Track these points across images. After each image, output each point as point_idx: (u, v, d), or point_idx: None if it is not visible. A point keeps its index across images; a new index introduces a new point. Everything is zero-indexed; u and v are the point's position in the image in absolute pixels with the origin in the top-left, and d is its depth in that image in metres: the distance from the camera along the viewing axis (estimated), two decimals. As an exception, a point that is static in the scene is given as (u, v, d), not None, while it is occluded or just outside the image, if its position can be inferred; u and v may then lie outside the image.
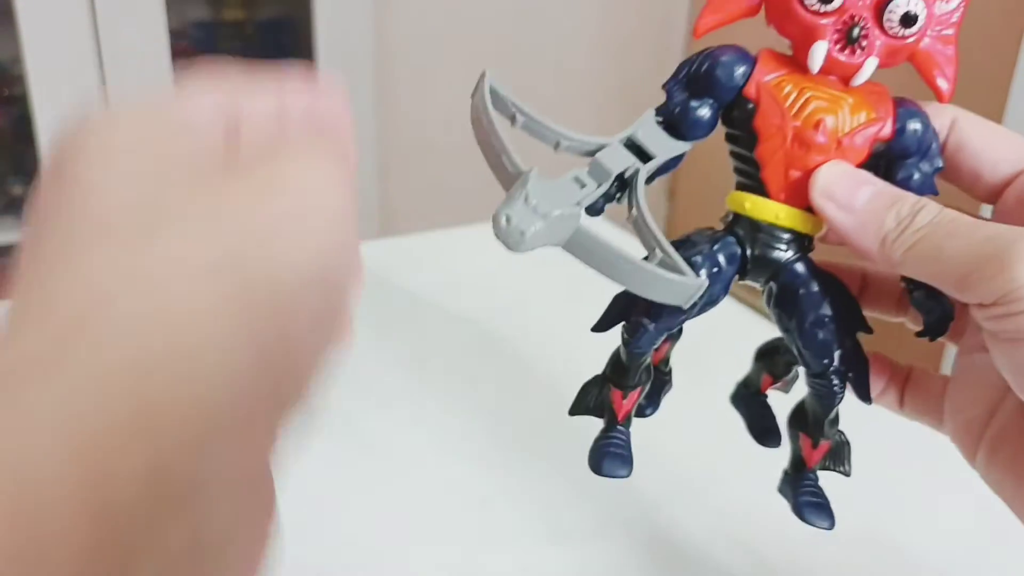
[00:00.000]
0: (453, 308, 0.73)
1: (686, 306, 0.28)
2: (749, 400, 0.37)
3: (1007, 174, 0.31)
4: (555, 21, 1.85)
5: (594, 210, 0.29)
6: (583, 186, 0.28)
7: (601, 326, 0.31)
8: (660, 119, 0.30)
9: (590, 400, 0.33)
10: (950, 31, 0.30)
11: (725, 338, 0.56)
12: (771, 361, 0.36)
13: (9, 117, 1.48)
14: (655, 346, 0.31)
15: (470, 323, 0.70)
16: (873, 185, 0.29)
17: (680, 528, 0.47)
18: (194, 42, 1.61)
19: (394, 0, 1.69)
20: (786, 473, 0.34)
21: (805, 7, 0.29)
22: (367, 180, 1.70)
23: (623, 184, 0.29)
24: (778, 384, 0.36)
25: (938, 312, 0.31)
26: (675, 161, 0.30)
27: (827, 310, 0.30)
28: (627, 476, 0.32)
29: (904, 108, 0.30)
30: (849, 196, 0.29)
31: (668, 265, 0.27)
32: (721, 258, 0.30)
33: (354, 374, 0.66)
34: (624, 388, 0.32)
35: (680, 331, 0.34)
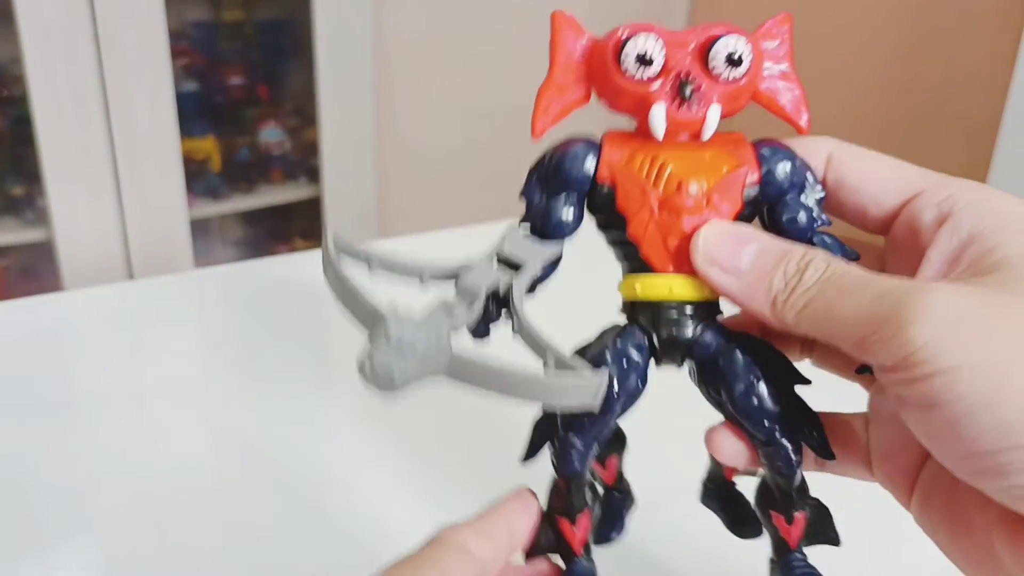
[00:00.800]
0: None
1: (596, 404, 0.26)
2: (717, 494, 0.35)
3: (892, 206, 0.29)
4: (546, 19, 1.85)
5: (479, 334, 0.29)
6: (451, 312, 0.27)
7: (528, 454, 0.30)
8: (527, 227, 0.30)
9: (543, 541, 0.31)
10: (785, 66, 0.30)
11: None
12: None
13: (8, 118, 1.47)
14: (588, 462, 0.29)
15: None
16: (757, 242, 0.28)
17: (680, 528, 0.47)
18: (193, 42, 1.61)
19: (393, 1, 1.69)
20: (772, 562, 0.31)
21: (628, 79, 0.28)
22: (365, 181, 1.70)
23: (502, 301, 0.28)
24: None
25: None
26: (553, 266, 0.30)
27: (754, 373, 0.29)
28: None
29: (765, 148, 0.29)
30: (732, 258, 0.28)
31: (563, 367, 0.26)
32: (630, 349, 0.29)
33: (356, 376, 0.66)
34: (570, 515, 0.30)
35: (624, 441, 0.33)
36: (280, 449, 0.55)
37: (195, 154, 1.60)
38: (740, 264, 0.27)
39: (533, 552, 0.31)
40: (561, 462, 0.29)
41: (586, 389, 0.26)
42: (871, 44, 1.65)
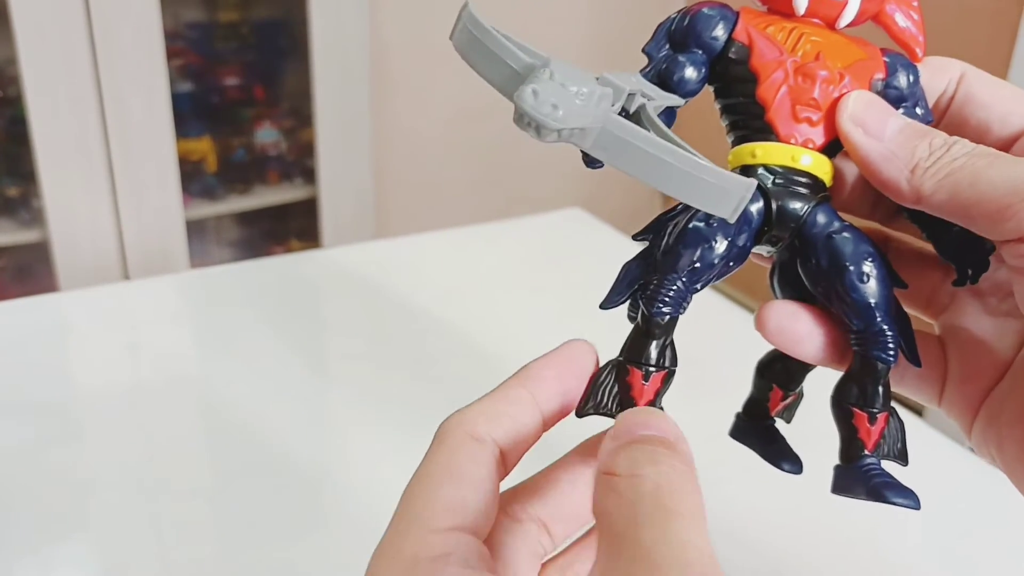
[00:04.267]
0: (450, 309, 0.73)
1: (732, 218, 0.24)
2: (752, 429, 0.32)
3: (1017, 128, 0.29)
4: (549, 22, 1.85)
5: (593, 163, 0.26)
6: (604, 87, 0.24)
7: (612, 300, 0.28)
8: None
9: (602, 394, 0.27)
10: None
11: (722, 334, 0.56)
12: (781, 371, 0.31)
13: (4, 118, 1.47)
14: (683, 309, 0.27)
15: (467, 324, 0.70)
16: (903, 118, 0.28)
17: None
18: (189, 43, 1.61)
19: (389, 1, 1.69)
20: (840, 467, 0.29)
21: None
22: (362, 182, 1.70)
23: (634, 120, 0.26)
24: (787, 401, 0.32)
25: (977, 250, 0.29)
26: (668, 116, 0.28)
27: (868, 251, 0.28)
28: None
29: (891, 57, 0.29)
30: (879, 124, 0.27)
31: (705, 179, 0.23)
32: (749, 206, 0.28)
33: (352, 378, 0.66)
34: (645, 367, 0.27)
35: (718, 272, 0.29)
36: (277, 449, 0.55)
37: (191, 155, 1.60)
38: (885, 130, 0.27)
39: (585, 410, 0.27)
40: (656, 301, 0.27)
41: (733, 193, 0.23)
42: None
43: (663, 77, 0.28)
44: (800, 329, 0.29)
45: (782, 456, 0.31)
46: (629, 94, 0.25)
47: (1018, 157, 0.26)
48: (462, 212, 1.86)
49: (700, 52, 0.29)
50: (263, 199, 1.69)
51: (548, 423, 0.27)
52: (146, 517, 0.50)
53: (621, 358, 0.27)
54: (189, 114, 1.59)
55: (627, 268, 0.28)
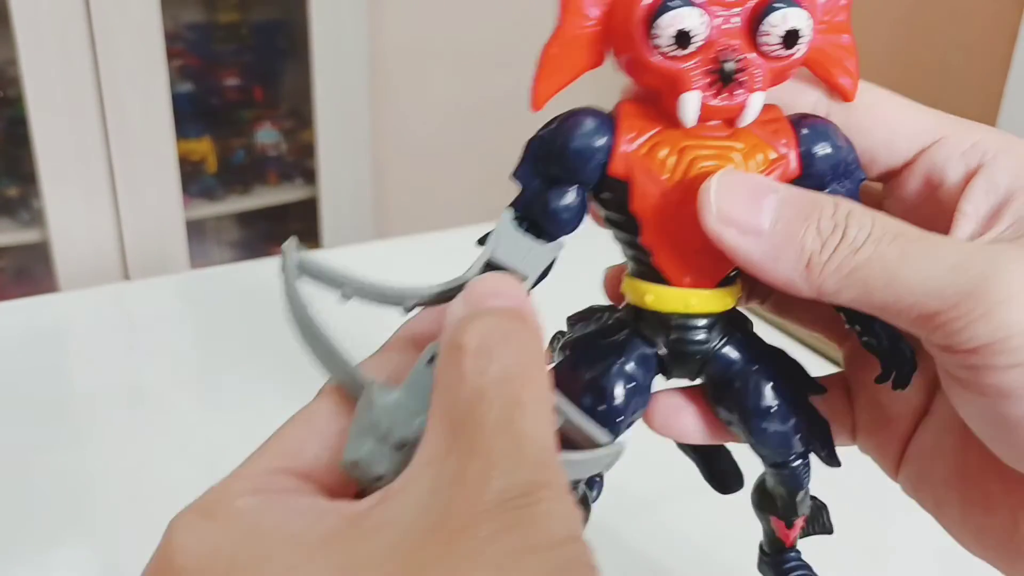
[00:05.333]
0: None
1: (607, 471, 0.23)
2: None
3: (907, 154, 0.26)
4: (549, 21, 1.85)
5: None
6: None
7: None
8: (519, 216, 0.25)
9: None
10: (841, 16, 0.25)
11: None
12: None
13: (4, 119, 1.47)
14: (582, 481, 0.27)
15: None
16: (777, 192, 0.23)
17: (677, 528, 0.47)
18: (189, 44, 1.61)
19: (389, 2, 1.69)
20: (763, 552, 0.30)
21: (659, 55, 0.23)
22: (361, 182, 1.70)
23: None
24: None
25: (900, 362, 0.26)
26: (547, 270, 0.25)
27: (772, 400, 0.26)
28: None
29: (807, 129, 0.25)
30: (752, 215, 0.23)
31: (575, 435, 0.23)
32: (633, 367, 0.26)
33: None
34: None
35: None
36: (277, 450, 0.55)
37: (191, 155, 1.60)
38: (761, 221, 0.23)
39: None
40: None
41: (601, 462, 0.23)
42: (865, 44, 1.65)
43: (537, 214, 0.25)
44: (684, 423, 0.28)
45: (723, 476, 0.31)
46: None
47: (934, 236, 0.22)
48: (462, 212, 1.86)
49: (576, 184, 0.25)
50: (263, 200, 1.69)
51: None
52: (146, 517, 0.50)
53: None
54: (189, 115, 1.59)
55: None
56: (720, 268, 0.25)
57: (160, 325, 0.73)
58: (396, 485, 0.19)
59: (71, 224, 1.44)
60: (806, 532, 0.30)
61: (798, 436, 0.27)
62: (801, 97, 0.26)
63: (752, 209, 0.23)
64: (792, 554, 0.29)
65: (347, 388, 0.22)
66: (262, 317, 0.73)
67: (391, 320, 0.26)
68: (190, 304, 0.78)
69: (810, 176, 0.25)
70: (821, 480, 0.29)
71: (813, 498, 0.29)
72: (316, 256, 0.24)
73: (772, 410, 0.26)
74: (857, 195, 0.25)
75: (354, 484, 0.21)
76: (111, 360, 0.67)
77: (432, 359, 0.22)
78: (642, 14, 0.23)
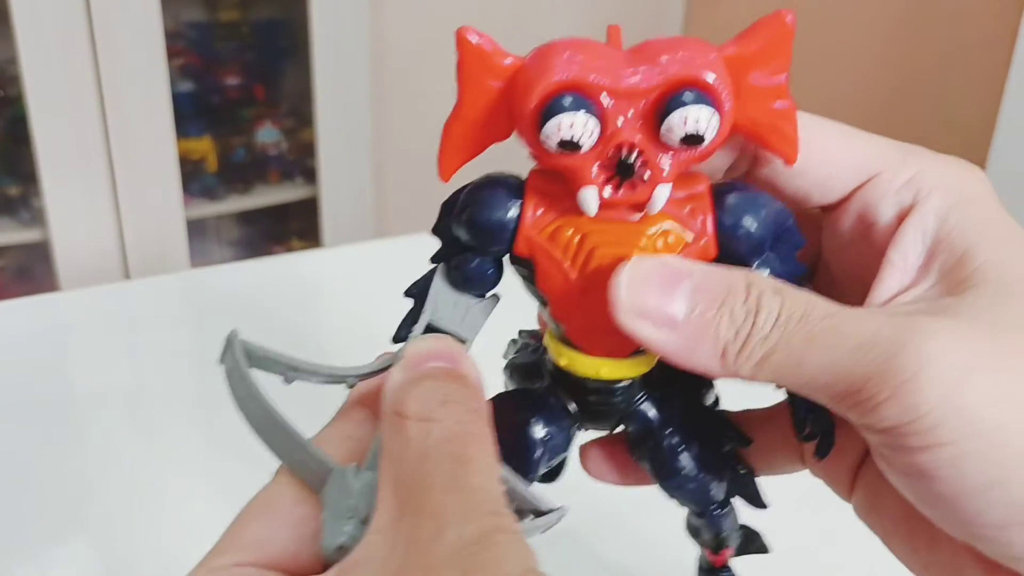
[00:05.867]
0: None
1: (542, 535, 0.24)
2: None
3: (841, 193, 0.25)
4: (549, 20, 1.85)
5: None
6: None
7: None
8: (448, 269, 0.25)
9: None
10: (777, 79, 0.23)
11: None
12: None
13: (4, 118, 1.47)
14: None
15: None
16: (689, 278, 0.22)
17: (676, 528, 0.47)
18: (190, 43, 1.61)
19: (390, 1, 1.69)
20: (701, 568, 0.31)
21: (552, 155, 0.22)
22: (362, 181, 1.70)
23: None
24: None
25: (823, 426, 0.25)
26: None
27: (686, 461, 0.26)
28: None
29: (726, 202, 0.23)
30: (664, 305, 0.22)
31: (519, 503, 0.23)
32: (547, 424, 0.26)
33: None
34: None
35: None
36: (277, 449, 0.55)
37: (191, 154, 1.60)
38: (674, 311, 0.22)
39: None
40: None
41: (545, 527, 0.23)
42: (863, 45, 1.65)
43: (455, 276, 0.25)
44: (606, 473, 0.29)
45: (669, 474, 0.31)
46: None
47: (840, 311, 0.21)
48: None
49: (487, 254, 0.24)
50: (263, 199, 1.69)
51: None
52: (146, 517, 0.50)
53: None
54: (189, 114, 1.59)
55: None
56: (631, 343, 0.24)
57: (160, 324, 0.73)
58: (354, 556, 0.19)
59: (72, 223, 1.44)
60: (740, 552, 0.31)
61: (713, 490, 0.27)
62: (717, 159, 0.25)
63: (664, 300, 0.22)
64: (724, 572, 0.31)
65: (305, 472, 0.22)
66: (263, 316, 0.73)
67: (334, 397, 0.26)
68: (190, 303, 0.78)
69: (731, 252, 0.23)
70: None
71: (744, 527, 0.30)
72: (255, 343, 0.24)
73: (684, 471, 0.27)
74: (792, 261, 0.24)
75: (319, 566, 0.21)
76: (111, 359, 0.67)
77: None
78: (530, 116, 0.22)
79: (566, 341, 0.25)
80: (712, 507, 0.28)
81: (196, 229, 1.63)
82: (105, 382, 0.63)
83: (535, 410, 0.26)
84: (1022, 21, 1.39)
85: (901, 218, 0.24)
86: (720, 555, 0.30)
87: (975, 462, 0.20)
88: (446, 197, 0.25)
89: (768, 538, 0.31)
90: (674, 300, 0.22)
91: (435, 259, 0.26)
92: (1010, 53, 1.40)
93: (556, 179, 0.23)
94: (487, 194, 0.24)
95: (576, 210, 0.23)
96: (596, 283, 0.23)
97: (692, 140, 0.22)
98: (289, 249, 1.76)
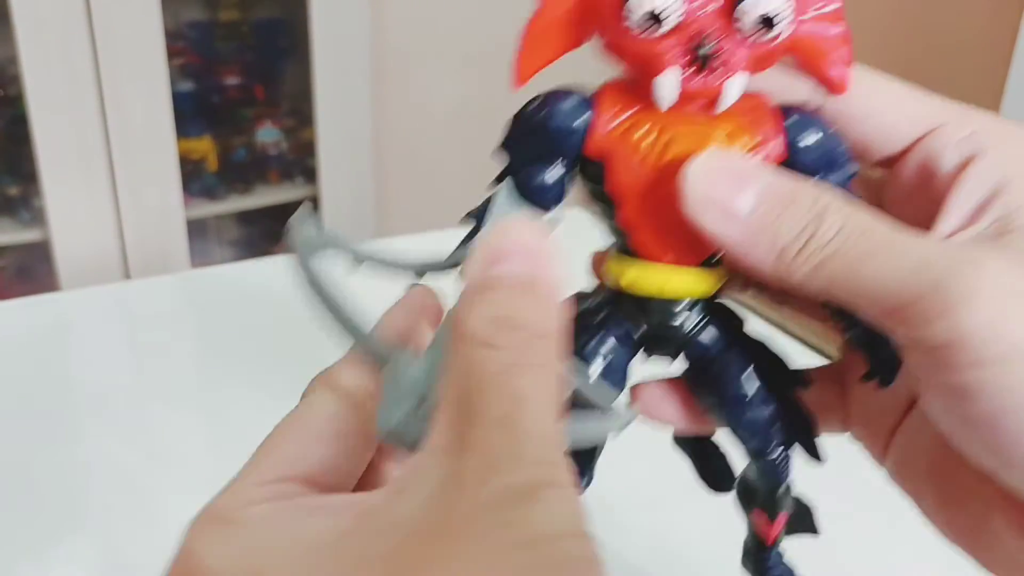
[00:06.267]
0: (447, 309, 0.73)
1: (615, 438, 0.24)
2: (691, 440, 0.31)
3: (904, 142, 0.25)
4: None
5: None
6: None
7: None
8: (510, 186, 0.26)
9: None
10: (832, 6, 0.24)
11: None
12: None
13: (4, 117, 1.47)
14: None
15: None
16: (759, 179, 0.23)
17: (677, 528, 0.47)
18: (190, 42, 1.61)
19: (390, 1, 1.69)
20: (747, 547, 0.30)
21: (636, 35, 0.23)
22: (362, 181, 1.70)
23: None
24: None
25: (884, 357, 0.25)
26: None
27: (751, 385, 0.26)
28: None
29: (794, 119, 0.25)
30: (732, 199, 0.23)
31: (585, 397, 0.23)
32: (609, 347, 0.26)
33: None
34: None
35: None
36: (277, 449, 0.55)
37: (191, 154, 1.60)
38: (741, 206, 0.23)
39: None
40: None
41: (613, 427, 0.23)
42: (864, 45, 1.65)
43: (522, 187, 0.25)
44: (667, 412, 0.28)
45: (715, 474, 0.30)
46: None
47: (904, 232, 0.22)
48: (463, 211, 1.85)
49: (556, 161, 0.25)
50: (264, 199, 1.69)
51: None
52: (146, 517, 0.50)
53: None
54: (190, 113, 1.59)
55: None
56: (698, 249, 0.25)
57: (161, 324, 0.73)
58: (404, 479, 0.19)
59: (72, 223, 1.44)
60: (790, 531, 0.29)
61: (777, 426, 0.26)
62: (794, 88, 0.25)
63: (732, 193, 0.23)
64: (774, 552, 0.29)
65: (367, 358, 0.23)
66: (263, 316, 0.73)
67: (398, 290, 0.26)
68: (191, 303, 0.78)
69: (795, 162, 0.24)
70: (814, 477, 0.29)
71: (799, 499, 0.29)
72: (326, 226, 0.24)
73: (749, 397, 0.26)
74: (847, 188, 0.25)
75: (355, 482, 0.22)
76: (111, 359, 0.67)
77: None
78: None
79: (630, 258, 0.25)
80: (774, 446, 0.27)
81: (196, 229, 1.62)
82: (105, 382, 0.63)
83: (595, 334, 0.26)
84: (1022, 21, 1.39)
85: (961, 169, 0.24)
86: (773, 524, 0.28)
87: (1016, 378, 0.21)
88: (516, 110, 0.25)
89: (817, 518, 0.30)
90: (742, 194, 0.23)
91: (499, 178, 0.26)
92: (1010, 53, 1.40)
93: (628, 87, 0.24)
94: (560, 98, 0.25)
95: (649, 110, 0.24)
96: (668, 178, 0.23)
97: (765, 24, 0.23)
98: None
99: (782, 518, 0.28)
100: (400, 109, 1.77)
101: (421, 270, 0.25)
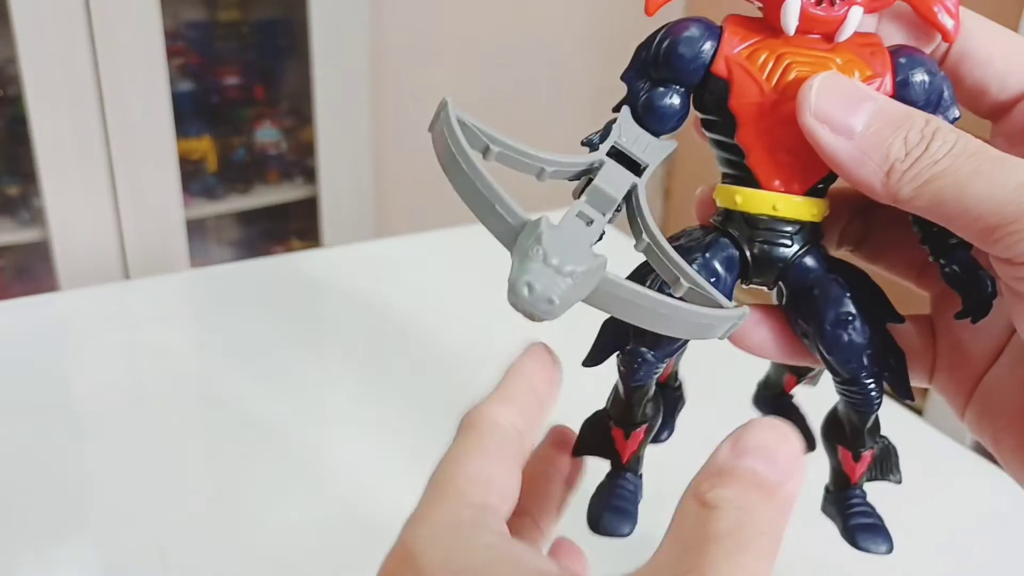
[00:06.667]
0: (450, 309, 0.73)
1: (724, 337, 0.25)
2: (773, 401, 0.33)
3: (1016, 90, 0.26)
4: (549, 19, 1.85)
5: None
6: (590, 222, 0.24)
7: (593, 359, 0.28)
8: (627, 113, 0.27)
9: (593, 440, 0.29)
10: None
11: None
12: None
13: (4, 117, 1.47)
14: (656, 375, 0.28)
15: (467, 324, 0.70)
16: (874, 101, 0.25)
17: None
18: (189, 42, 1.61)
19: (390, 1, 1.69)
20: (828, 491, 0.30)
21: None
22: (362, 180, 1.70)
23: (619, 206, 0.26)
24: (804, 380, 0.32)
25: (979, 289, 0.26)
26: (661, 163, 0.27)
27: (849, 307, 0.27)
28: (628, 534, 0.28)
29: (904, 58, 0.26)
30: (847, 117, 0.24)
31: (700, 297, 0.24)
32: (717, 265, 0.27)
33: (352, 377, 0.66)
34: (626, 427, 0.28)
35: (685, 344, 0.31)
36: (278, 448, 0.55)
37: (191, 154, 1.60)
38: (855, 124, 0.24)
39: (580, 450, 0.29)
40: (629, 373, 0.27)
41: (726, 324, 0.24)
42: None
43: (642, 112, 0.27)
44: (760, 336, 0.28)
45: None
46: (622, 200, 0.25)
47: (1010, 157, 0.23)
48: (462, 211, 1.85)
49: (680, 83, 0.27)
50: (263, 198, 1.69)
51: (547, 408, 0.27)
52: (146, 517, 0.50)
53: (607, 411, 0.28)
54: (189, 113, 1.59)
55: (606, 328, 0.28)
56: (809, 173, 0.26)
57: (160, 324, 0.73)
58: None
59: (71, 223, 1.44)
60: (873, 475, 0.29)
61: (871, 352, 0.27)
62: (923, 35, 0.27)
63: (847, 111, 0.24)
64: (857, 491, 0.29)
65: (504, 235, 0.23)
66: (262, 316, 0.73)
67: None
68: (190, 303, 0.78)
69: (903, 98, 0.26)
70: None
71: (884, 437, 0.29)
72: (467, 113, 0.25)
73: (847, 319, 0.27)
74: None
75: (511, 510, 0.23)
76: (111, 358, 0.67)
77: (578, 214, 0.24)
78: None
79: (743, 182, 0.26)
80: (867, 373, 0.27)
81: (196, 229, 1.63)
82: (105, 381, 0.63)
83: (704, 251, 0.27)
84: (1022, 21, 1.39)
85: None
86: (859, 463, 0.29)
87: None
88: (638, 45, 0.27)
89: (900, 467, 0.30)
90: (856, 114, 0.24)
91: (617, 107, 0.27)
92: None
93: (751, 22, 0.26)
94: (686, 24, 0.26)
95: (771, 39, 0.26)
96: (787, 99, 0.25)
97: None
98: (289, 249, 1.76)
99: (867, 456, 0.29)
100: (399, 109, 1.77)
101: (548, 173, 0.26)
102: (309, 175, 1.68)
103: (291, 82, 1.70)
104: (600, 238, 0.25)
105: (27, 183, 1.46)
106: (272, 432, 0.57)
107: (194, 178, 1.61)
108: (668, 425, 0.31)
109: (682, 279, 0.24)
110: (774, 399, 0.33)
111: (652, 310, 0.23)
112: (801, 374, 0.32)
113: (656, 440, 0.30)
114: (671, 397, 0.32)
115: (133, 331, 0.73)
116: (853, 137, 0.24)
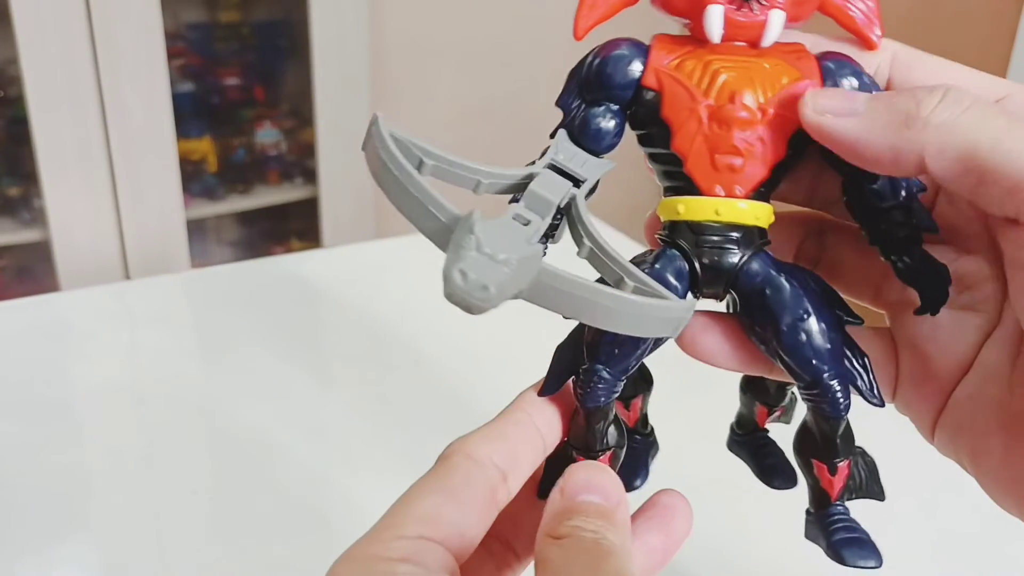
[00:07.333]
0: (450, 309, 0.73)
1: (675, 335, 0.25)
2: (746, 441, 0.32)
3: None
4: (549, 19, 1.85)
5: None
6: (527, 223, 0.24)
7: (549, 387, 0.27)
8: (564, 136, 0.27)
9: (558, 476, 0.27)
10: None
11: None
12: (760, 388, 0.31)
13: (5, 118, 1.47)
14: (614, 396, 0.27)
15: (467, 324, 0.70)
16: (863, 94, 0.25)
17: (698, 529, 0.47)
18: (190, 43, 1.61)
19: (390, 1, 1.69)
20: (809, 513, 0.29)
21: None
22: (362, 181, 1.70)
23: (558, 216, 0.26)
24: (775, 414, 0.31)
25: (935, 279, 0.26)
26: (596, 185, 0.27)
27: (805, 305, 0.26)
28: None
29: (832, 62, 0.26)
30: (847, 101, 0.24)
31: (646, 292, 0.24)
32: (669, 275, 0.26)
33: (352, 377, 0.66)
34: (588, 454, 0.27)
35: (650, 381, 0.31)
36: (277, 449, 0.55)
37: (191, 155, 1.60)
38: (856, 105, 0.24)
39: (545, 491, 0.27)
40: (585, 394, 0.26)
41: (673, 317, 0.24)
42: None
43: (578, 133, 0.27)
44: (709, 343, 0.28)
45: (774, 472, 0.31)
46: (559, 205, 0.25)
47: None
48: (462, 212, 1.85)
49: (613, 101, 0.27)
50: (263, 199, 1.69)
51: (550, 446, 0.27)
52: (146, 517, 0.50)
53: (569, 443, 0.28)
54: (189, 114, 1.59)
55: (559, 354, 0.28)
56: (749, 177, 0.26)
57: (160, 324, 0.73)
58: None
59: (72, 223, 1.44)
60: (853, 493, 0.28)
61: (831, 350, 0.26)
62: (873, 58, 0.27)
63: (846, 99, 0.25)
64: (839, 507, 0.28)
65: (438, 235, 0.23)
66: (262, 317, 0.73)
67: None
68: (190, 304, 0.78)
69: None
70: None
71: (860, 448, 0.28)
72: (399, 129, 0.25)
73: (804, 317, 0.26)
74: None
75: (471, 549, 0.24)
76: (112, 359, 0.67)
77: (515, 216, 0.24)
78: None
79: (684, 192, 0.27)
80: (831, 373, 0.26)
81: (196, 229, 1.63)
82: (105, 382, 0.63)
83: (653, 263, 0.27)
84: (1022, 21, 1.39)
85: None
86: (836, 476, 0.28)
87: None
88: (570, 69, 0.28)
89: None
90: (855, 100, 0.25)
91: (555, 132, 0.28)
92: (1010, 53, 1.40)
93: (676, 38, 0.27)
94: (617, 43, 0.27)
95: (697, 50, 0.26)
96: (720, 103, 0.26)
97: None
98: (289, 249, 1.76)
99: (844, 468, 0.28)
100: (400, 110, 1.77)
101: (483, 186, 0.26)
102: (309, 176, 1.69)
103: (291, 83, 1.70)
104: (544, 252, 0.24)
105: (28, 183, 1.46)
106: (271, 433, 0.57)
107: (194, 179, 1.61)
108: (642, 472, 0.31)
109: (626, 278, 0.24)
110: (748, 438, 0.32)
111: (595, 302, 0.22)
112: (772, 404, 0.31)
113: (630, 488, 0.29)
114: (644, 443, 0.31)
115: (133, 331, 0.73)
116: (856, 114, 0.24)
